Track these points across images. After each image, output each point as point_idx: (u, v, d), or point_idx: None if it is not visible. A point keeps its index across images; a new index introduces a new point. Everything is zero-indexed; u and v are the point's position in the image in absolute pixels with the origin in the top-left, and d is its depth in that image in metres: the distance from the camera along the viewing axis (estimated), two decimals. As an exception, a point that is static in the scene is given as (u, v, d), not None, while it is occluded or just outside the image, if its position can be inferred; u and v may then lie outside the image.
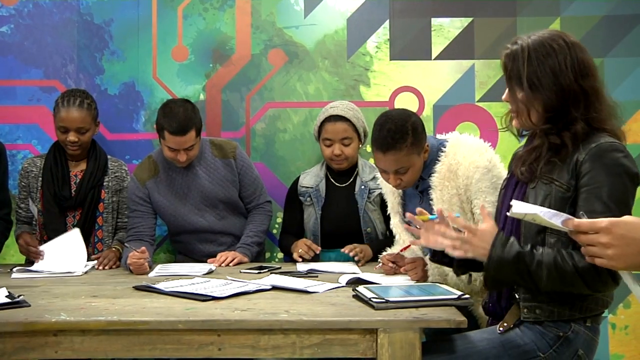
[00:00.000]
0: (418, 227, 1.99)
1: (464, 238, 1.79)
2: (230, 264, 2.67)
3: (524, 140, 1.99)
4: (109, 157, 2.96)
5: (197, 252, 2.87)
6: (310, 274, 2.40)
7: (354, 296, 1.93)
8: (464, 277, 2.09)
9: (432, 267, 2.20)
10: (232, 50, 3.21)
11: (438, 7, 3.18)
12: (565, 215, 1.44)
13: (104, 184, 2.90)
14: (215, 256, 2.73)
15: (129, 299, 1.97)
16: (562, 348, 1.79)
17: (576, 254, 1.69)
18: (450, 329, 1.73)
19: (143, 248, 2.47)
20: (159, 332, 1.72)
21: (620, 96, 3.07)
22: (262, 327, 1.70)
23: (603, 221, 1.35)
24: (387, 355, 1.68)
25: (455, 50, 3.17)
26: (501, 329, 1.83)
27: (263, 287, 2.09)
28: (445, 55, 3.17)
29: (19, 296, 1.92)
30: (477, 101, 3.17)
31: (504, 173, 2.22)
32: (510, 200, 1.90)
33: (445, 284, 2.07)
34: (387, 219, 2.73)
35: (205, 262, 2.72)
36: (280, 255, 3.11)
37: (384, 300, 1.77)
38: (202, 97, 3.20)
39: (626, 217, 1.37)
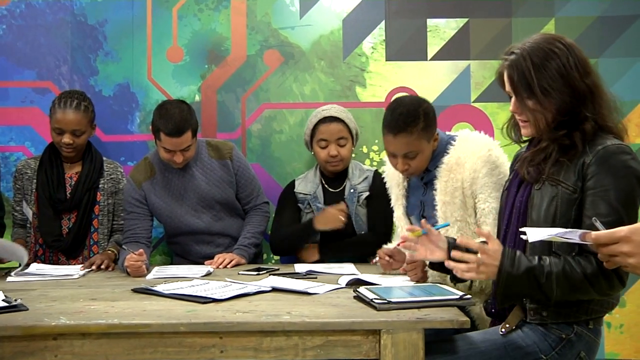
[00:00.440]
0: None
1: (479, 260, 1.74)
2: (228, 266, 2.66)
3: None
4: (104, 159, 2.94)
5: (194, 254, 2.85)
6: (309, 275, 2.40)
7: (355, 297, 1.93)
8: None
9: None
10: (227, 51, 3.20)
11: (433, 8, 3.18)
12: (581, 230, 1.43)
13: (100, 186, 2.88)
14: (212, 258, 2.72)
15: (128, 302, 1.96)
16: (564, 350, 1.79)
17: (583, 261, 1.70)
18: (450, 329, 1.73)
19: (141, 250, 2.45)
20: (160, 335, 1.71)
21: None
22: (265, 329, 1.69)
23: (621, 230, 1.36)
24: (390, 356, 1.67)
25: (451, 50, 3.17)
26: (503, 330, 1.83)
27: (263, 288, 2.08)
28: (440, 55, 3.17)
29: (16, 300, 1.89)
30: (473, 102, 3.18)
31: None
32: (514, 200, 1.91)
33: (445, 284, 2.07)
34: (372, 217, 2.74)
35: (203, 264, 2.70)
36: (277, 256, 3.09)
37: (385, 301, 1.77)
38: (197, 98, 3.19)
39: None
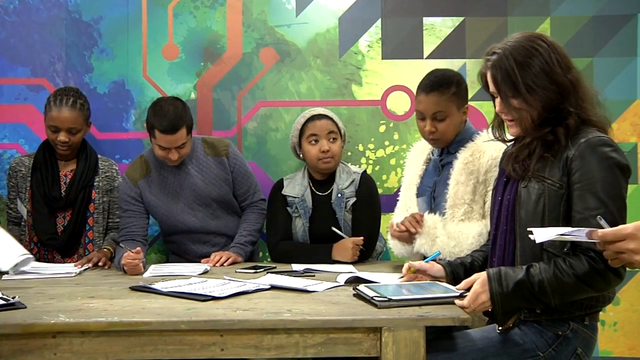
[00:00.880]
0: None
1: (475, 292, 1.76)
2: (225, 264, 2.65)
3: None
4: (99, 156, 2.92)
5: (190, 252, 2.84)
6: (306, 273, 2.39)
7: (355, 295, 1.93)
8: None
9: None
10: (223, 48, 3.19)
11: (429, 7, 3.18)
12: (587, 229, 1.44)
13: (95, 184, 2.86)
14: (208, 256, 2.70)
15: (127, 300, 1.95)
16: (561, 347, 1.80)
17: (574, 261, 1.70)
18: (446, 327, 1.73)
19: (138, 248, 2.44)
20: (160, 332, 1.70)
21: (609, 95, 3.11)
22: (266, 326, 1.69)
23: (628, 227, 1.36)
24: (392, 354, 1.67)
25: (447, 49, 3.18)
26: (500, 328, 1.83)
27: (262, 286, 2.08)
28: (437, 54, 3.18)
29: (13, 298, 1.88)
30: (469, 100, 3.17)
31: None
32: (502, 198, 1.91)
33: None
34: (357, 223, 2.74)
35: (199, 262, 2.69)
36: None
37: (386, 299, 1.77)
38: (193, 95, 3.17)
39: None
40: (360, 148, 3.18)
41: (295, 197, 2.80)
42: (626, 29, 3.14)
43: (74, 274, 2.46)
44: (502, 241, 1.90)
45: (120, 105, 3.16)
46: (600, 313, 3.08)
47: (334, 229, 2.67)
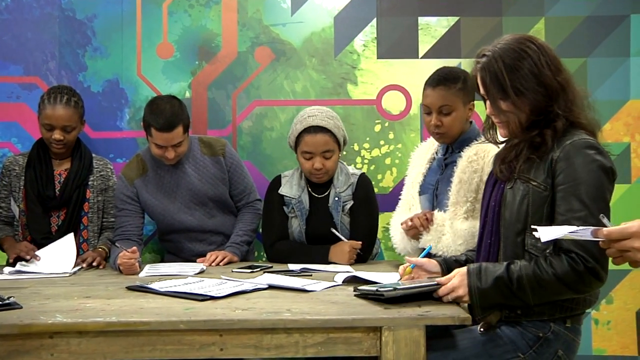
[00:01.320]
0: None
1: (452, 285, 1.80)
2: (221, 264, 2.64)
3: None
4: (94, 155, 2.90)
5: (186, 252, 2.83)
6: (303, 272, 2.39)
7: (356, 295, 1.91)
8: None
9: None
10: (218, 47, 3.17)
11: (425, 6, 3.18)
12: (592, 228, 1.43)
13: (89, 183, 2.84)
14: (204, 255, 2.69)
15: (124, 300, 1.93)
16: (541, 349, 1.79)
17: (555, 260, 1.70)
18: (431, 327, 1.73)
19: (134, 248, 2.43)
20: (159, 332, 1.69)
21: (603, 95, 3.15)
22: (266, 326, 1.68)
23: (633, 225, 1.36)
24: (392, 353, 1.67)
25: (442, 49, 3.18)
26: (482, 329, 1.83)
27: (259, 286, 2.07)
28: (432, 54, 3.18)
29: (8, 298, 1.86)
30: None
31: None
32: (489, 199, 1.91)
33: None
34: (354, 226, 2.73)
35: (195, 261, 2.68)
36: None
37: (392, 288, 1.76)
38: (187, 94, 3.16)
39: None
40: (356, 147, 3.18)
41: (292, 198, 2.77)
42: (620, 30, 3.16)
43: (68, 274, 2.44)
44: (487, 241, 1.91)
45: (114, 104, 3.14)
46: (594, 312, 3.15)
47: (333, 230, 2.66)
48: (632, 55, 3.16)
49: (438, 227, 2.38)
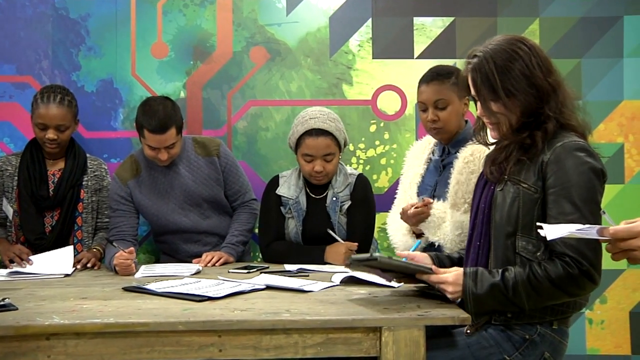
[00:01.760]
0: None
1: (441, 278, 1.79)
2: (217, 264, 2.62)
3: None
4: (88, 155, 2.88)
5: (181, 252, 2.81)
6: (300, 273, 2.38)
7: (347, 265, 1.89)
8: None
9: None
10: (213, 47, 3.16)
11: (420, 7, 3.19)
12: (598, 226, 1.42)
13: (83, 183, 2.82)
14: (200, 256, 2.68)
15: (121, 301, 1.91)
16: (527, 351, 1.79)
17: (549, 265, 1.70)
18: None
19: (131, 249, 2.41)
20: (157, 333, 1.67)
21: (597, 96, 3.17)
22: (265, 327, 1.67)
23: (639, 225, 1.36)
24: (391, 354, 1.66)
25: (437, 49, 3.19)
26: (468, 331, 1.82)
27: (257, 286, 2.06)
28: (427, 54, 3.18)
29: (4, 299, 1.84)
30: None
31: None
32: (479, 201, 1.91)
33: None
34: (351, 226, 2.72)
35: (190, 262, 2.66)
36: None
37: (387, 257, 1.75)
38: (182, 94, 3.14)
39: None
40: (351, 148, 3.18)
41: (289, 198, 2.76)
42: (613, 31, 3.18)
43: (63, 275, 2.42)
44: (477, 243, 1.90)
45: (108, 104, 3.12)
46: (588, 312, 3.16)
47: (329, 231, 2.66)
48: (626, 56, 3.18)
49: (440, 214, 2.36)
